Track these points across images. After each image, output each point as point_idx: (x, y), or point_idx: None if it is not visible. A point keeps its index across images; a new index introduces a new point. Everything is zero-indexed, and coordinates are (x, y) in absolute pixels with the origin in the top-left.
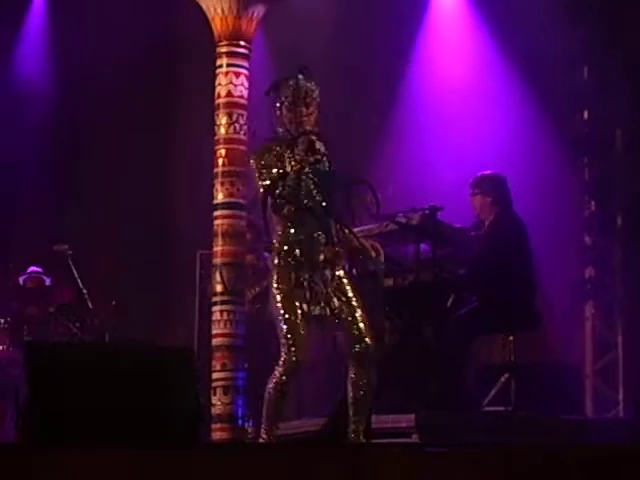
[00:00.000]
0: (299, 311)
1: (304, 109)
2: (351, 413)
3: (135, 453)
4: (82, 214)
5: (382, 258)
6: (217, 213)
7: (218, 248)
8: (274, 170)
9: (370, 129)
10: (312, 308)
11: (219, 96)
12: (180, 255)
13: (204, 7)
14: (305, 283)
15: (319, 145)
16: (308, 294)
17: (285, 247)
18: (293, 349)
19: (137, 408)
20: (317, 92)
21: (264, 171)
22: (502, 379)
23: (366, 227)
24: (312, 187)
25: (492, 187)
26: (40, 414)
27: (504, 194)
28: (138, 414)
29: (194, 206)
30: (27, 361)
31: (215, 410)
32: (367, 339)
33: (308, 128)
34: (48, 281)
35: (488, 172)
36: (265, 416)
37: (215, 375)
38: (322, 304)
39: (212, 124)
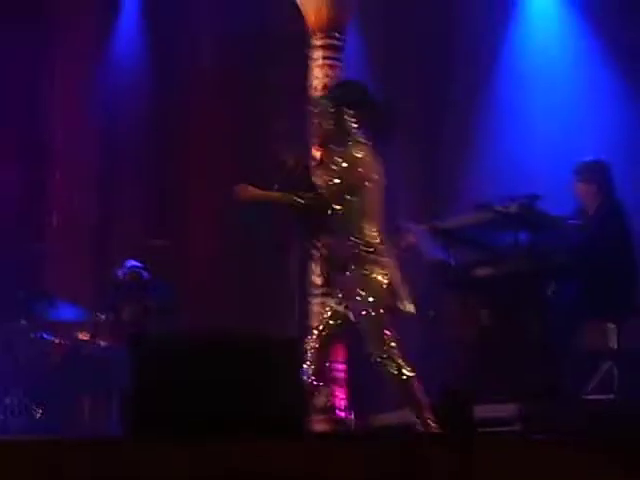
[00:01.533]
0: None
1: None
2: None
3: (241, 446)
4: (181, 207)
5: None
6: None
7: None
8: None
9: (463, 113)
10: None
11: (315, 89)
12: (274, 248)
13: (298, 1)
14: None
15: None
16: None
17: None
18: None
19: (241, 400)
20: (319, 108)
21: None
22: (604, 367)
23: (463, 216)
24: None
25: (596, 174)
26: (144, 407)
27: (608, 181)
28: (242, 406)
29: None
30: (132, 354)
31: (315, 402)
32: None
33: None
34: (146, 275)
35: (592, 159)
36: None
37: None
38: None
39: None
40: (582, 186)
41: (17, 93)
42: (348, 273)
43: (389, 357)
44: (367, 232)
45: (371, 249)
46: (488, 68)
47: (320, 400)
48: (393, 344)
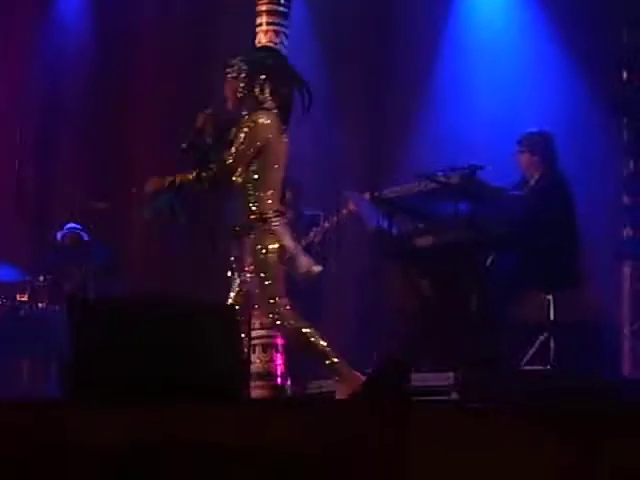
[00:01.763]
0: None
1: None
2: None
3: (176, 410)
4: (123, 171)
5: None
6: None
7: None
8: None
9: (410, 85)
10: None
11: None
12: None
13: None
14: None
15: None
16: None
17: None
18: None
19: (179, 365)
20: (233, 67)
21: None
22: (541, 338)
23: (406, 186)
24: None
25: (539, 145)
26: (82, 370)
27: (551, 153)
28: (180, 371)
29: None
30: (69, 316)
31: (254, 368)
32: None
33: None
34: (86, 237)
35: (536, 129)
36: None
37: (254, 333)
38: None
39: None
40: (525, 157)
41: None
42: (244, 242)
43: (282, 319)
44: (264, 201)
45: (265, 218)
46: (432, 40)
47: (257, 366)
48: (287, 307)
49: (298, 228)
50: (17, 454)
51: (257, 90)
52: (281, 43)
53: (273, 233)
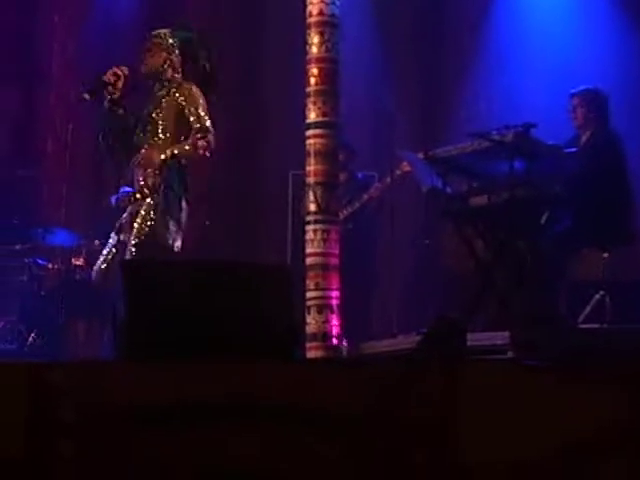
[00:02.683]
0: None
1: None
2: None
3: (228, 367)
4: None
5: None
6: (309, 132)
7: (311, 168)
8: None
9: (463, 47)
10: None
11: (311, 15)
12: (272, 176)
13: None
14: None
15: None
16: None
17: None
18: None
19: (233, 327)
20: (159, 40)
21: None
22: (597, 296)
23: (459, 145)
24: None
25: (594, 101)
26: (136, 332)
27: (604, 109)
28: (234, 333)
29: (285, 126)
30: (124, 279)
31: (309, 329)
32: None
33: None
34: None
35: (589, 86)
36: None
37: (309, 294)
38: None
39: (303, 43)
40: (578, 113)
41: (15, 20)
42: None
43: None
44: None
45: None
46: (487, 2)
47: (312, 327)
48: None
49: (351, 190)
50: (73, 415)
51: (176, 64)
52: (332, 3)
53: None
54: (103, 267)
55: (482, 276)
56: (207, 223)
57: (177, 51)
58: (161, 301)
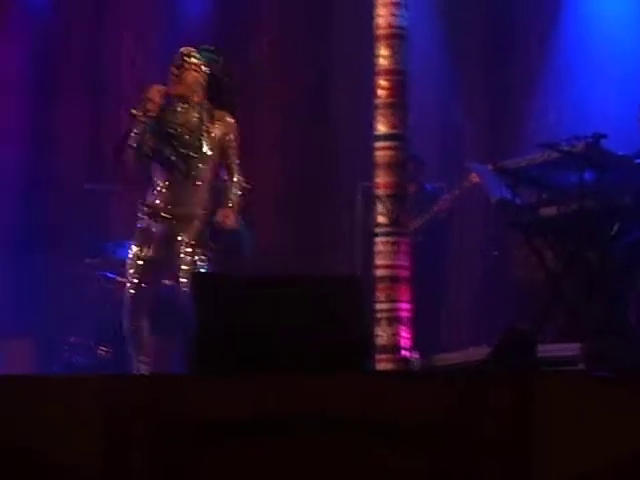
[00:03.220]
0: None
1: (174, 69)
2: None
3: (300, 380)
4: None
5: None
6: (378, 144)
7: (380, 179)
8: None
9: (531, 58)
10: None
11: (379, 27)
12: (340, 187)
13: None
14: None
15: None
16: None
17: None
18: None
19: (304, 338)
20: (196, 61)
21: None
22: None
23: (529, 156)
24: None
25: None
26: (208, 345)
27: None
28: (305, 344)
29: (354, 138)
30: (195, 292)
31: (379, 341)
32: None
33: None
34: None
35: None
36: None
37: (379, 306)
38: None
39: (371, 55)
40: None
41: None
42: None
43: None
44: None
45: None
46: (554, 9)
47: (382, 339)
48: None
49: (420, 202)
50: (147, 429)
51: (205, 84)
52: (401, 15)
53: None
54: (183, 281)
55: (552, 287)
56: (277, 236)
57: (205, 73)
58: (232, 314)
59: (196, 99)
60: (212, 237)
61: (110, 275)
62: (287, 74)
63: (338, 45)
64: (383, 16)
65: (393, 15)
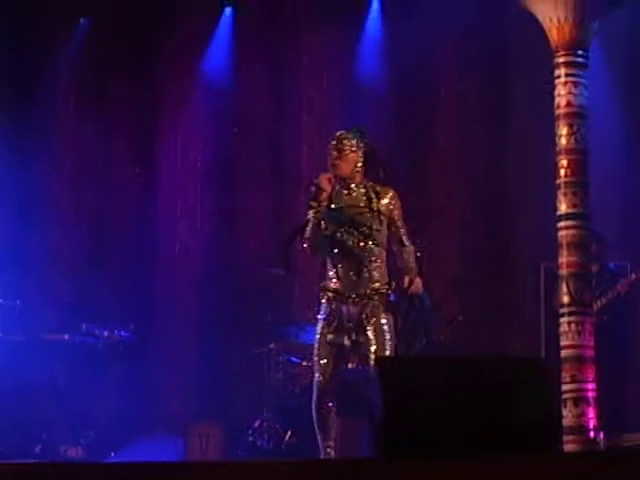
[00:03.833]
0: None
1: (334, 153)
2: None
3: (493, 463)
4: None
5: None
6: (561, 224)
7: (563, 259)
8: None
9: None
10: None
11: (559, 106)
12: (522, 268)
13: (540, 17)
14: None
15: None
16: None
17: None
18: None
19: (490, 421)
20: (353, 142)
21: None
22: None
23: None
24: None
25: None
26: (394, 428)
27: None
28: (491, 427)
29: (535, 218)
30: (380, 376)
31: (566, 422)
32: None
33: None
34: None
35: None
36: None
37: (565, 387)
38: None
39: (551, 134)
40: None
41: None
42: None
43: None
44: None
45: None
46: None
47: (569, 420)
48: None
49: (603, 281)
50: None
51: (362, 165)
52: (580, 94)
53: None
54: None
55: None
56: (459, 318)
57: (361, 153)
58: (417, 397)
59: (358, 179)
60: (398, 311)
61: (295, 360)
62: (467, 155)
63: (517, 125)
64: (563, 95)
65: (573, 94)
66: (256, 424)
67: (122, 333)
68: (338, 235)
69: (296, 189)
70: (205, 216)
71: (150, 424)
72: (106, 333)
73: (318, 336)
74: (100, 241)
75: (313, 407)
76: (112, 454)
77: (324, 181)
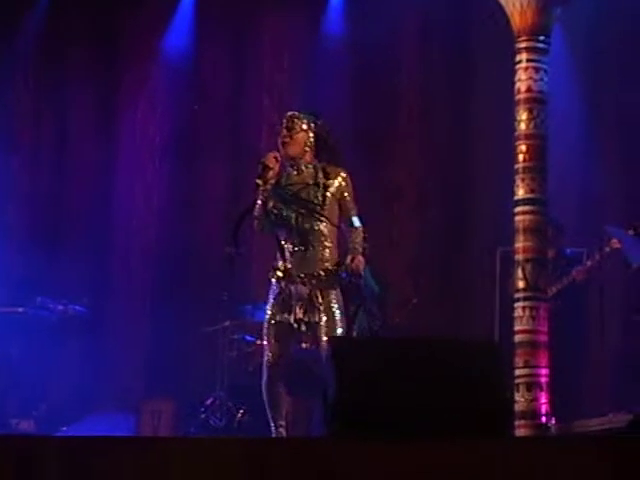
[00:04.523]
0: None
1: (284, 132)
2: None
3: (443, 446)
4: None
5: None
6: (518, 209)
7: (520, 244)
8: None
9: None
10: None
11: (519, 91)
12: (479, 251)
13: (503, 2)
14: None
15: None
16: None
17: None
18: None
19: (442, 401)
20: (304, 122)
21: None
22: None
23: None
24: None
25: None
26: (346, 408)
27: None
28: (443, 409)
29: (493, 202)
30: (332, 356)
31: (518, 406)
32: None
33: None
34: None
35: None
36: None
37: (518, 372)
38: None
39: (511, 119)
40: None
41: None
42: None
43: None
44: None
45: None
46: None
47: (521, 405)
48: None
49: (559, 267)
50: None
51: (313, 144)
52: (541, 79)
53: None
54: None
55: None
56: (414, 300)
57: (311, 133)
58: (370, 378)
59: (307, 159)
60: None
61: (249, 338)
62: (428, 139)
63: (477, 110)
64: (523, 81)
65: (533, 79)
66: (209, 401)
67: (76, 307)
68: (284, 213)
69: (255, 168)
70: (163, 192)
71: (103, 399)
72: (60, 307)
73: (267, 316)
74: (56, 215)
75: (263, 387)
76: (64, 428)
77: (271, 159)
